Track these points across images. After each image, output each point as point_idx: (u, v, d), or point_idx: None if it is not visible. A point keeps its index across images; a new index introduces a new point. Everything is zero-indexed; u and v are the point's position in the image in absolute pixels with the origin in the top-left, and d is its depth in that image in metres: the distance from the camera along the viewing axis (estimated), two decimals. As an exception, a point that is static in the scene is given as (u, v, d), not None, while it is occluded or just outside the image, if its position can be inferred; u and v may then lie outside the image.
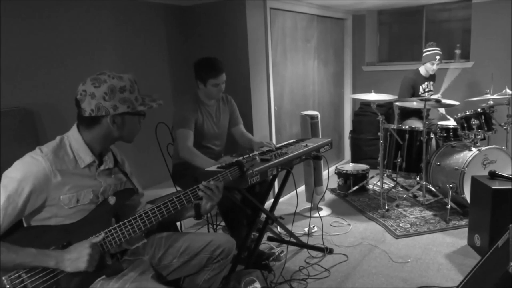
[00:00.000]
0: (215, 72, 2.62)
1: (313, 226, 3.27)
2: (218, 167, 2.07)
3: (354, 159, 5.02)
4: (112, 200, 1.51)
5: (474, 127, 3.39)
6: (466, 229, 2.99)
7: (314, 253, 2.90)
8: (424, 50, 4.12)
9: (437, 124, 3.81)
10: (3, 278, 1.29)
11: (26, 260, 1.30)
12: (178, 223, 2.86)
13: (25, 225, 1.45)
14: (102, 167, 1.55)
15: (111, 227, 1.45)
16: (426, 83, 4.20)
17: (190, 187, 1.64)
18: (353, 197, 4.05)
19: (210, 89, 2.67)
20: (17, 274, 1.31)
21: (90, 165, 1.51)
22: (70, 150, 1.48)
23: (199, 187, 1.65)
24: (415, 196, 3.88)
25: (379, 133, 3.71)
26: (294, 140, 2.99)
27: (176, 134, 2.62)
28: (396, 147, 3.73)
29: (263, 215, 2.67)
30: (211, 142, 2.82)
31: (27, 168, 1.37)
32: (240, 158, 1.92)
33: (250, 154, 1.91)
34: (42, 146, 1.45)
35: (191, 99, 2.74)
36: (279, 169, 2.29)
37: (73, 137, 1.50)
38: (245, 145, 2.88)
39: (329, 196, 4.15)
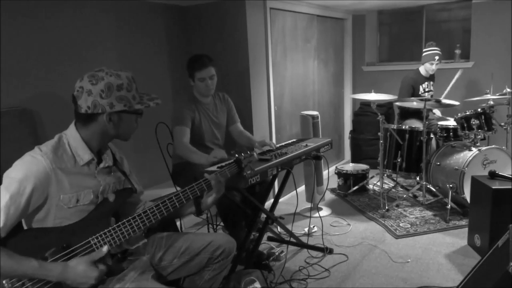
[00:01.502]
0: (199, 65, 2.65)
1: (313, 226, 3.27)
2: (217, 167, 2.08)
3: (354, 159, 5.02)
4: (111, 199, 1.51)
5: (474, 127, 3.39)
6: (466, 229, 2.99)
7: (314, 253, 2.90)
8: (424, 50, 4.12)
9: (437, 124, 3.81)
10: (4, 281, 1.29)
11: (27, 272, 1.29)
12: (178, 223, 2.86)
13: (24, 225, 1.45)
14: (101, 165, 1.54)
15: (110, 228, 1.45)
16: (426, 83, 4.19)
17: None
18: (353, 197, 4.05)
19: (198, 84, 2.69)
20: None
21: (89, 163, 1.50)
22: (69, 148, 1.47)
23: (206, 179, 1.67)
24: (415, 196, 3.88)
25: (379, 133, 3.71)
26: (294, 140, 2.99)
27: (173, 131, 2.63)
28: (396, 147, 3.73)
29: (263, 215, 2.67)
30: (209, 141, 2.82)
31: (27, 168, 1.37)
32: (238, 155, 1.93)
33: (249, 152, 1.93)
34: (41, 145, 1.45)
35: (188, 98, 2.77)
36: (279, 169, 2.29)
37: (71, 135, 1.49)
38: (244, 144, 2.89)
39: (329, 196, 4.15)
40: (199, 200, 1.72)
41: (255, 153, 1.96)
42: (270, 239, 3.10)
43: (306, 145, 2.66)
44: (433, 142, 3.89)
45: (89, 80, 1.42)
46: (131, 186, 1.64)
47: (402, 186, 4.12)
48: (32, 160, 1.38)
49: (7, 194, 1.32)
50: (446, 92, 4.27)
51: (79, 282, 1.33)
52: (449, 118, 3.98)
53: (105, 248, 1.41)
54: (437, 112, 4.26)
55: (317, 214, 3.41)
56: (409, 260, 2.75)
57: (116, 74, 1.46)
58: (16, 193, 1.33)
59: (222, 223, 2.95)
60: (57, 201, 1.41)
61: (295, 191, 3.59)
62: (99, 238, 1.42)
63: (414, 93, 4.12)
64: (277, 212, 2.91)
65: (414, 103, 3.62)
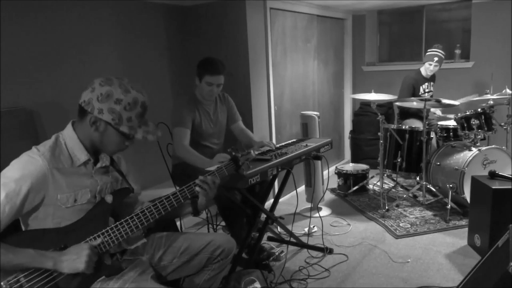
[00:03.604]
0: (212, 70, 2.62)
1: (313, 226, 3.27)
2: (217, 167, 2.07)
3: (354, 159, 5.02)
4: (109, 199, 1.51)
5: (474, 127, 3.39)
6: (466, 229, 2.99)
7: (314, 253, 2.90)
8: (428, 50, 4.12)
9: (437, 124, 3.81)
10: (2, 283, 1.29)
11: (23, 261, 1.30)
12: (178, 223, 2.86)
13: (22, 225, 1.45)
14: (98, 165, 1.54)
15: (108, 228, 1.45)
16: (426, 83, 4.19)
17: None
18: (353, 197, 4.05)
19: (203, 86, 2.66)
20: (15, 278, 1.30)
21: (85, 163, 1.50)
22: (66, 148, 1.48)
23: (195, 182, 1.64)
24: (415, 196, 3.88)
25: (379, 133, 3.71)
26: (294, 140, 2.99)
27: (173, 132, 2.63)
28: (396, 147, 3.73)
29: (263, 215, 2.67)
30: (209, 141, 2.82)
31: (24, 167, 1.37)
32: (235, 153, 1.92)
33: (246, 150, 1.92)
34: (39, 145, 1.45)
35: (189, 98, 2.75)
36: (279, 169, 2.29)
37: (68, 135, 1.50)
38: (245, 142, 2.88)
39: (329, 196, 4.15)
40: (196, 200, 1.72)
41: (252, 151, 1.95)
42: (270, 239, 3.09)
43: (306, 145, 2.66)
44: (433, 142, 3.89)
45: (101, 80, 1.45)
46: (128, 185, 1.64)
47: (402, 186, 4.12)
48: (29, 160, 1.39)
49: (3, 192, 1.32)
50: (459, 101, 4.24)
51: (72, 259, 1.32)
52: (450, 115, 3.97)
53: (98, 240, 1.41)
54: (437, 111, 4.25)
55: (317, 214, 3.41)
56: (409, 260, 2.75)
57: (126, 89, 1.45)
58: (12, 192, 1.33)
59: (222, 223, 2.95)
60: (54, 200, 1.41)
61: (295, 191, 3.59)
62: (97, 238, 1.42)
63: (415, 93, 4.12)
64: (277, 212, 2.91)
65: (414, 103, 3.62)
